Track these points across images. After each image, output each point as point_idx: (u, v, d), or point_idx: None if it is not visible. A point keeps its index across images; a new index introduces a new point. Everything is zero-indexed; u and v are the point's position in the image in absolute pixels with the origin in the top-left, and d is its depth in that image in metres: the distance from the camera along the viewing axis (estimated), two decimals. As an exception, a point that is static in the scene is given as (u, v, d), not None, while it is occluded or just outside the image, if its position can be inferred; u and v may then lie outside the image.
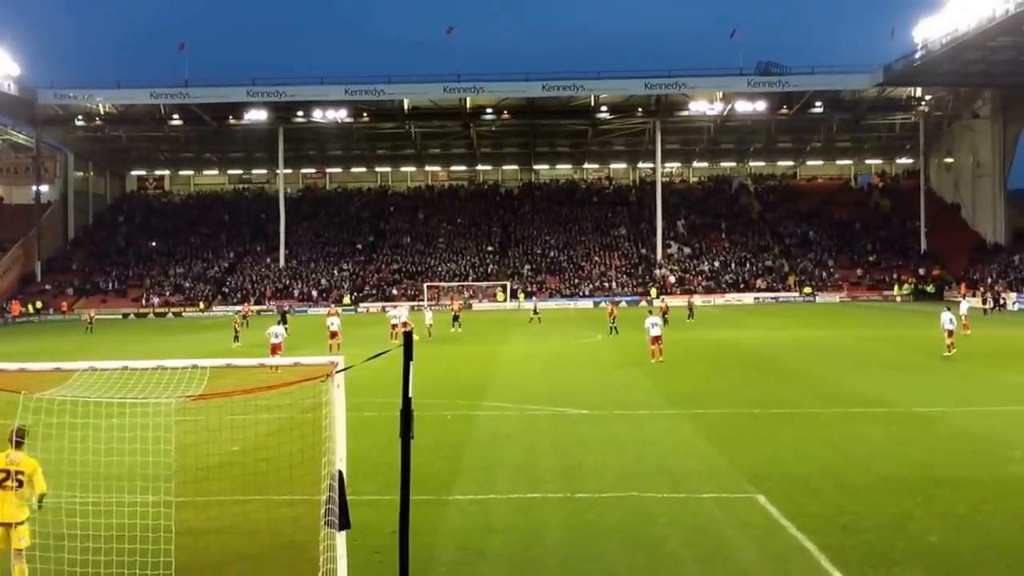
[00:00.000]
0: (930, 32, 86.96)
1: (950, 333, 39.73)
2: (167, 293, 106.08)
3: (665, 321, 59.00)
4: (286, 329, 59.38)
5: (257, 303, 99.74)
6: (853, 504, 15.88)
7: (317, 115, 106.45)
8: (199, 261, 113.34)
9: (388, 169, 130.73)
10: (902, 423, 23.66)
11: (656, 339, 38.59)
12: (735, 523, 15.04)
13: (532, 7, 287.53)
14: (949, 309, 41.96)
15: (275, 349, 38.02)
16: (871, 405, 26.65)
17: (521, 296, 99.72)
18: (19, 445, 11.63)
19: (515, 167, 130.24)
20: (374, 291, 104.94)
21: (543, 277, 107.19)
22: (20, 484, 11.39)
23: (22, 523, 11.39)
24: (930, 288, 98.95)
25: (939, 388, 30.18)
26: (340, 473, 10.75)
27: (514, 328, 64.14)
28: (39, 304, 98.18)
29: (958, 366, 36.10)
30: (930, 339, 46.94)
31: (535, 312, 73.36)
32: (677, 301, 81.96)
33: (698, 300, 72.85)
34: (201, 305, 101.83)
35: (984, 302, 78.50)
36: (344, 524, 10.81)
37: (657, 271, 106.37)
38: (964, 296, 78.58)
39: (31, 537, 11.68)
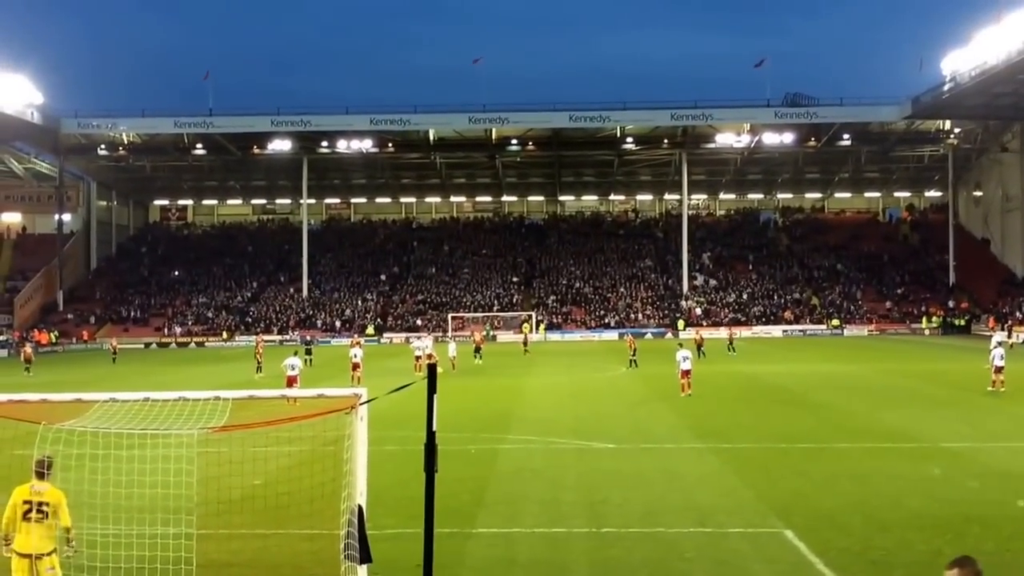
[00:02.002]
0: (959, 64, 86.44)
1: (999, 369, 38.42)
2: (190, 323, 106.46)
3: (702, 354, 59.23)
4: (309, 361, 59.80)
5: (280, 333, 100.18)
6: (882, 540, 15.68)
7: (342, 145, 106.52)
8: (222, 291, 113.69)
9: (413, 200, 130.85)
10: (931, 459, 23.34)
11: (686, 373, 38.19)
12: (762, 558, 14.88)
13: (558, 37, 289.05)
14: (1000, 345, 41.19)
15: (291, 381, 37.71)
16: (900, 440, 26.36)
17: (538, 328, 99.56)
18: (44, 476, 11.49)
19: (540, 198, 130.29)
20: (398, 322, 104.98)
21: (568, 308, 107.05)
22: (45, 516, 11.25)
23: (48, 555, 11.26)
24: (959, 322, 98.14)
25: (968, 424, 29.81)
26: (360, 507, 10.65)
27: (538, 360, 63.93)
28: (56, 334, 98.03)
29: (987, 401, 35.70)
30: (960, 373, 46.58)
31: (525, 345, 73.05)
32: (708, 333, 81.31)
33: (724, 333, 71.80)
34: (224, 335, 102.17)
35: (1010, 335, 77.73)
36: (365, 558, 10.70)
37: (683, 303, 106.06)
38: (994, 330, 77.86)
39: (61, 568, 11.54)
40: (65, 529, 11.44)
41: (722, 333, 71.74)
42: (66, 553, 11.51)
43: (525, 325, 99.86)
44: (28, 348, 66.83)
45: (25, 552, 11.17)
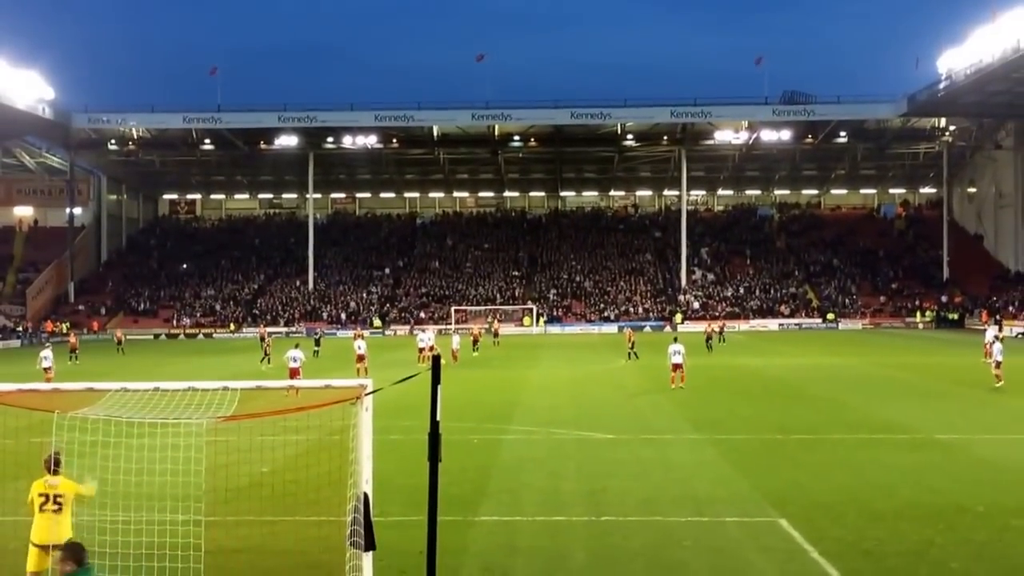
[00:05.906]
0: (954, 63, 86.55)
1: (998, 364, 38.19)
2: (198, 315, 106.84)
3: (709, 347, 61.17)
4: (317, 353, 60.05)
5: (287, 325, 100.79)
6: (875, 530, 15.93)
7: (347, 141, 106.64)
8: (229, 283, 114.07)
9: (417, 195, 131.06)
10: (924, 450, 23.65)
11: (677, 367, 38.32)
12: (758, 547, 15.15)
13: (560, 34, 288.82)
14: (997, 339, 41.25)
15: (294, 373, 37.98)
16: (894, 432, 26.64)
17: (538, 321, 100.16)
18: (56, 470, 11.93)
19: (542, 193, 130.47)
20: (402, 315, 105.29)
21: (569, 302, 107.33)
22: (59, 507, 11.66)
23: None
24: (952, 316, 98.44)
25: (961, 416, 30.12)
26: (365, 495, 10.86)
27: (539, 353, 64.22)
28: (67, 324, 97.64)
29: (980, 394, 35.89)
30: (952, 367, 46.88)
31: (495, 336, 74.00)
32: (698, 327, 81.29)
33: (716, 326, 72.15)
34: (231, 326, 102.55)
35: (1000, 329, 77.76)
36: (369, 545, 10.91)
37: (681, 297, 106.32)
38: (987, 324, 78.01)
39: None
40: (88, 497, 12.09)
41: (714, 325, 72.52)
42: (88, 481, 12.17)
43: (527, 319, 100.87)
44: (73, 337, 67.66)
45: (42, 543, 11.54)
